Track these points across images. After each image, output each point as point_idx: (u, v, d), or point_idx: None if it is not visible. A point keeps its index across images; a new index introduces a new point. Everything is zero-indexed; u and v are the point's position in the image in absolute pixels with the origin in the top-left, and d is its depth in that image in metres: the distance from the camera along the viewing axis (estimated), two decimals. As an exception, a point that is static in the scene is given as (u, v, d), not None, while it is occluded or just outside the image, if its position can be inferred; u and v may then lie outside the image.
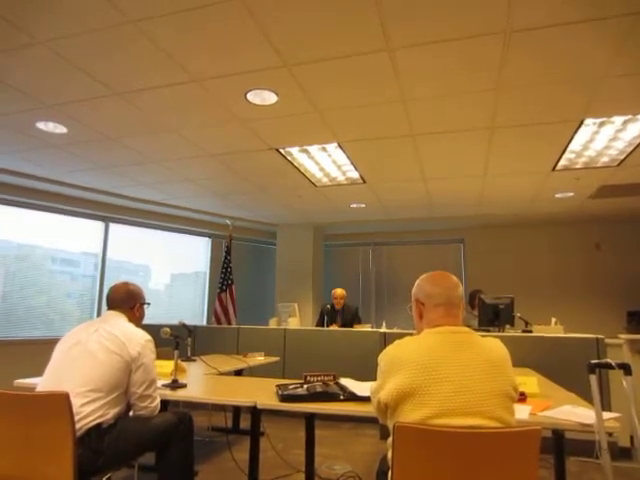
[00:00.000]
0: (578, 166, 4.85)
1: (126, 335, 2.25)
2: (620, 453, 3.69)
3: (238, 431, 4.63)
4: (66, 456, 1.84)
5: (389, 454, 1.54)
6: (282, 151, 4.56)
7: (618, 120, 3.72)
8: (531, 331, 4.60)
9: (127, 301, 2.49)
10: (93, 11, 2.43)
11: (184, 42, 2.72)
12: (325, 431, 4.46)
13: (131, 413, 2.29)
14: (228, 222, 7.55)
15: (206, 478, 3.42)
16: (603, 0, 2.28)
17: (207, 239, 8.38)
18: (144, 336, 2.31)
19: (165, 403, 3.12)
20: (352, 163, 4.88)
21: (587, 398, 2.18)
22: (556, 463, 2.45)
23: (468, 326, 1.70)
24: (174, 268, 8.04)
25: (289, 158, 4.77)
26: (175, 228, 7.83)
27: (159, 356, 3.23)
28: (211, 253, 8.37)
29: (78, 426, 1.93)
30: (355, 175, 5.31)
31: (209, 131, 4.11)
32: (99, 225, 6.88)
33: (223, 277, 7.28)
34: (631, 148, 4.29)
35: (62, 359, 2.21)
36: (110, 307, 2.47)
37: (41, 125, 3.95)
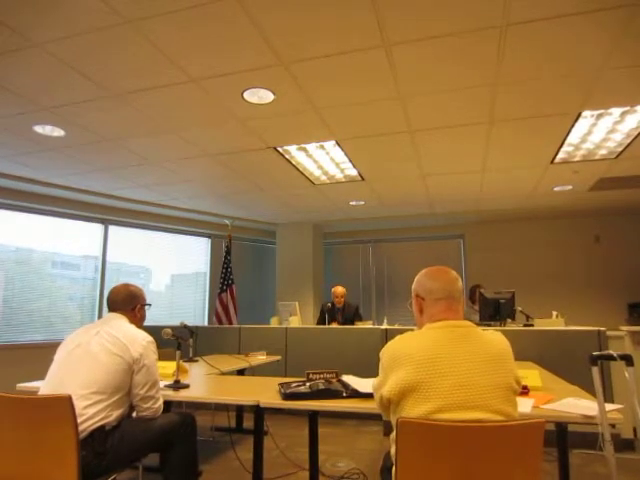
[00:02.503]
0: (576, 159, 4.85)
1: (127, 337, 2.24)
2: (623, 445, 3.70)
3: (241, 430, 4.63)
4: (70, 458, 1.85)
5: (392, 450, 1.54)
6: (280, 150, 4.56)
7: (616, 112, 3.71)
8: (532, 325, 4.61)
9: (128, 302, 2.48)
10: (89, 12, 2.42)
11: (180, 42, 2.71)
12: (328, 429, 4.47)
13: (134, 414, 2.29)
14: (227, 222, 7.55)
15: (210, 478, 3.42)
16: (599, -8, 2.28)
17: (207, 239, 8.38)
18: (145, 337, 2.31)
19: (168, 404, 3.13)
20: (350, 161, 4.88)
21: (589, 390, 2.19)
22: (559, 456, 2.46)
23: (469, 321, 1.69)
24: (174, 269, 8.04)
25: (287, 157, 4.76)
26: (174, 229, 7.82)
27: (161, 357, 3.23)
28: (211, 253, 8.36)
29: (81, 428, 1.94)
30: (354, 172, 5.31)
31: (207, 131, 4.10)
32: (98, 227, 6.88)
33: (223, 277, 7.29)
34: (629, 140, 4.29)
35: (64, 362, 2.20)
36: (111, 309, 2.47)
37: (38, 128, 3.94)
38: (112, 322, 2.35)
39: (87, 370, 2.11)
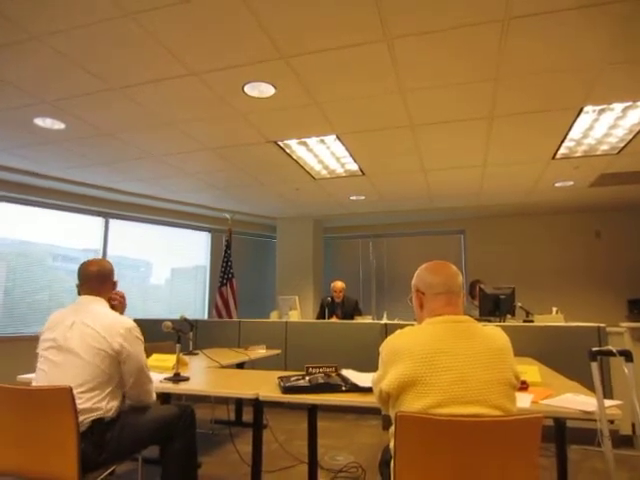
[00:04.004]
0: (578, 154, 4.83)
1: (104, 327, 2.09)
2: (621, 441, 3.71)
3: (241, 423, 4.65)
4: (70, 450, 1.85)
5: (391, 444, 1.54)
6: (281, 144, 4.55)
7: (618, 107, 3.70)
8: (532, 321, 4.61)
9: (105, 281, 2.32)
10: (88, 5, 2.41)
11: (180, 35, 2.70)
12: (327, 422, 4.48)
13: (127, 403, 2.27)
14: (227, 216, 7.55)
15: (210, 470, 3.44)
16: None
17: (207, 233, 8.38)
18: (124, 324, 2.14)
19: (168, 396, 3.14)
20: (351, 155, 4.87)
21: (589, 386, 2.19)
22: (558, 451, 2.46)
23: (469, 316, 1.69)
24: (174, 263, 8.04)
25: (288, 151, 4.75)
26: (175, 223, 7.83)
27: (161, 350, 3.25)
28: (211, 247, 8.37)
29: (80, 419, 1.93)
30: (354, 167, 5.30)
31: (207, 125, 4.09)
32: (99, 221, 6.88)
33: (223, 271, 7.29)
34: (631, 136, 4.28)
35: (48, 365, 2.08)
36: (85, 287, 2.28)
37: (39, 121, 3.93)
38: (87, 310, 2.18)
39: (74, 371, 2.03)
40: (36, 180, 5.65)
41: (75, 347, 2.06)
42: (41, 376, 2.11)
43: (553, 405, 1.97)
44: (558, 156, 4.86)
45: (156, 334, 2.93)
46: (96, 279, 2.30)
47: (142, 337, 2.22)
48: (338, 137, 4.36)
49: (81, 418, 1.95)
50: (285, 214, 8.18)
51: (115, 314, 2.24)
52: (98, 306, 2.24)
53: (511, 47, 2.81)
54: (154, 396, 2.33)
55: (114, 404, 2.12)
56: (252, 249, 9.06)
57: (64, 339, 2.09)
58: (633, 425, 3.77)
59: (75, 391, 1.94)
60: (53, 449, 1.89)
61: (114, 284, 2.42)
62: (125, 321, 2.18)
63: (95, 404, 2.03)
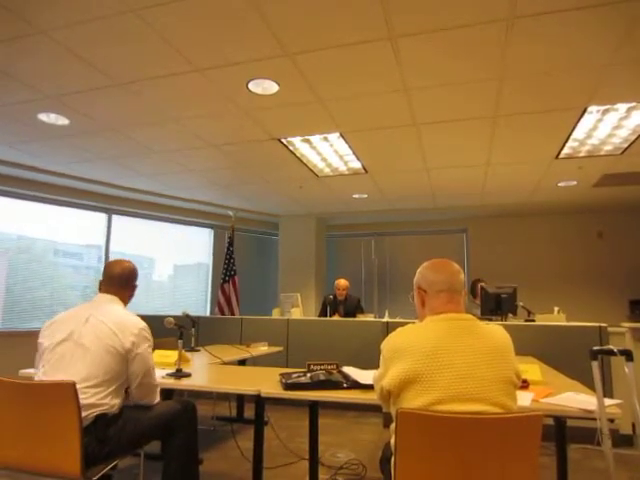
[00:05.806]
0: (581, 154, 4.83)
1: (118, 325, 2.15)
2: (621, 440, 3.71)
3: (242, 420, 4.66)
4: (73, 444, 1.86)
5: (392, 440, 1.55)
6: (284, 141, 4.55)
7: (622, 107, 3.69)
8: (534, 320, 4.61)
9: (126, 284, 2.38)
10: (94, 0, 2.41)
11: (185, 31, 2.71)
12: (329, 419, 4.49)
13: (130, 399, 2.29)
14: (230, 213, 7.56)
15: (211, 466, 3.45)
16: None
17: (210, 230, 8.40)
18: (137, 324, 2.21)
19: (170, 392, 3.15)
20: (354, 153, 4.87)
21: (589, 386, 2.19)
22: (558, 450, 2.46)
23: (470, 314, 1.70)
24: (177, 259, 8.06)
25: (291, 148, 4.76)
26: (178, 219, 7.84)
27: (163, 346, 3.26)
28: (214, 244, 8.39)
29: (84, 415, 1.94)
30: (357, 165, 5.30)
31: (211, 121, 4.10)
32: (102, 217, 6.90)
33: (226, 268, 7.30)
34: (635, 136, 4.27)
35: (57, 356, 2.11)
36: (106, 286, 2.35)
37: (43, 116, 3.94)
38: (103, 307, 2.24)
39: (83, 364, 2.05)
40: (39, 175, 5.66)
41: (87, 342, 2.09)
42: (49, 368, 2.12)
43: (553, 403, 1.98)
44: (562, 156, 4.85)
45: (158, 330, 2.93)
46: (117, 280, 2.36)
47: (152, 339, 2.27)
48: (342, 135, 4.37)
49: (85, 413, 1.95)
50: (288, 212, 8.18)
51: (129, 313, 2.29)
52: (114, 305, 2.29)
53: (515, 46, 2.80)
54: (157, 397, 2.35)
55: (118, 401, 2.14)
56: (255, 246, 9.07)
57: (78, 333, 2.12)
58: (633, 424, 3.77)
59: (81, 385, 1.96)
60: (56, 443, 1.90)
61: (134, 287, 2.47)
62: (138, 321, 2.24)
63: (99, 400, 2.04)
